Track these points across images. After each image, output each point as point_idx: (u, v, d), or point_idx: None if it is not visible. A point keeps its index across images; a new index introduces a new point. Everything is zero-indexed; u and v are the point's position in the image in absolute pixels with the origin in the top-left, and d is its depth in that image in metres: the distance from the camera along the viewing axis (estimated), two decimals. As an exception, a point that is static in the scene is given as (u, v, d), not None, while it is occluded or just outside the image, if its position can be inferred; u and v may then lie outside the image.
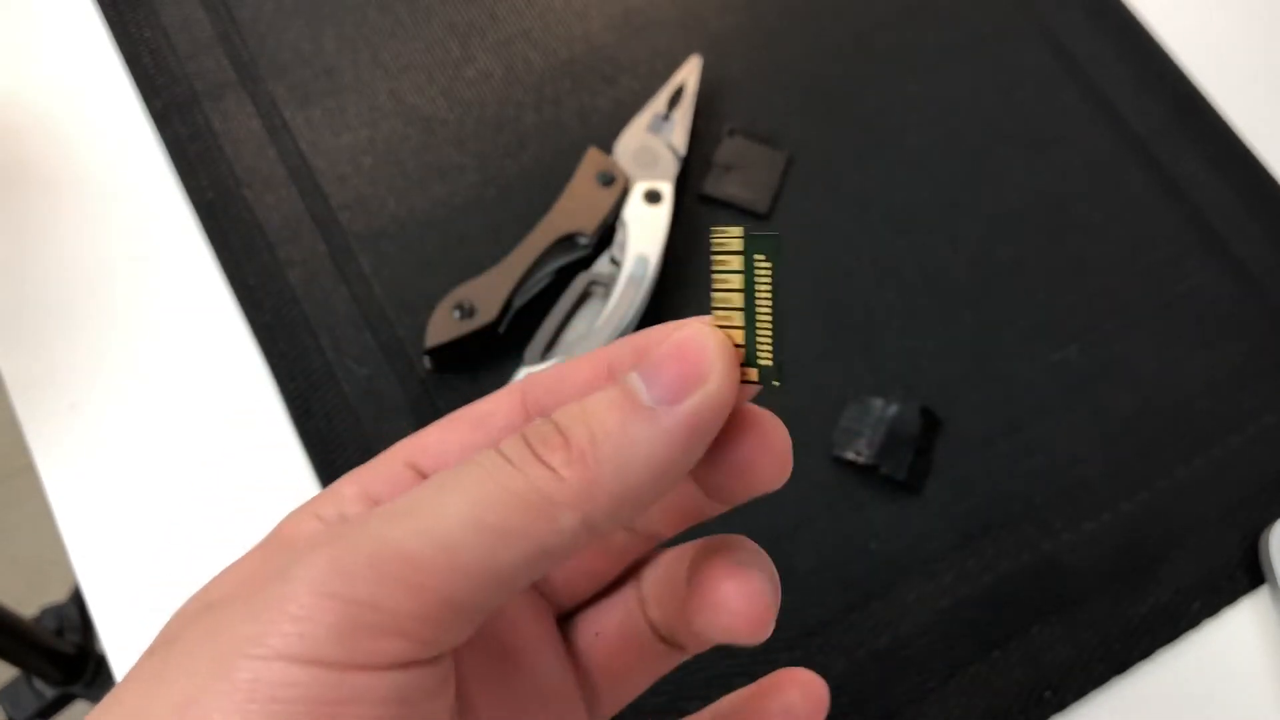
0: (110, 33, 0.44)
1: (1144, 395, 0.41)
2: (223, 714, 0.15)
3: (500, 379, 0.39)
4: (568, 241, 0.40)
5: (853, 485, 0.38)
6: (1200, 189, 0.45)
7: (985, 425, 0.40)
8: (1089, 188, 0.45)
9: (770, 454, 0.19)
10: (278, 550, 0.19)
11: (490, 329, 0.38)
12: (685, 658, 0.22)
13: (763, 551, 0.20)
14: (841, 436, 0.39)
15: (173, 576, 0.35)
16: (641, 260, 0.39)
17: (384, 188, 0.42)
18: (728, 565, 0.19)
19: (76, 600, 0.85)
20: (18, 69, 0.44)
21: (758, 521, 0.34)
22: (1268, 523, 0.38)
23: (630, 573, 0.22)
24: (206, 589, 0.19)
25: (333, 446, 0.38)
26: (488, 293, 0.38)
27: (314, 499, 0.20)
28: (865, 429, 0.38)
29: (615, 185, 0.40)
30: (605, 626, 0.22)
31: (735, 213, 0.43)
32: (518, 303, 0.39)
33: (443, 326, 0.38)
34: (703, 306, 0.42)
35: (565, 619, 0.22)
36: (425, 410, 0.38)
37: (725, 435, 0.19)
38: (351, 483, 0.21)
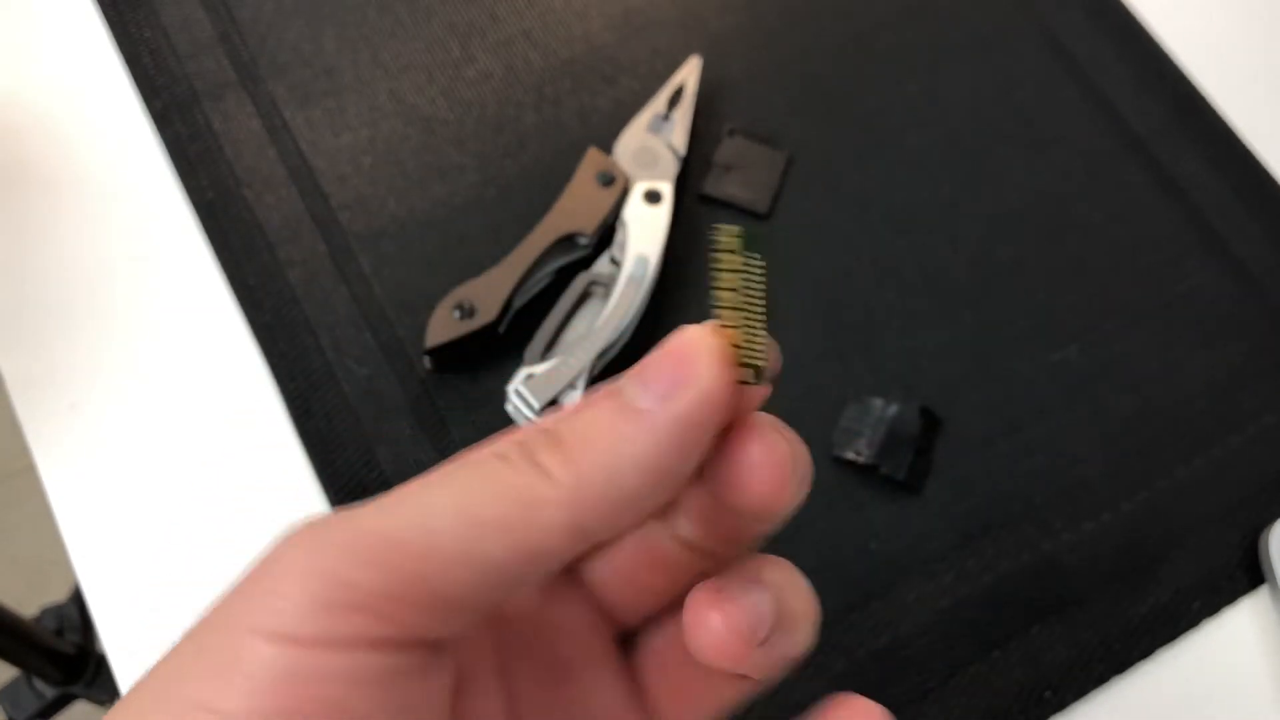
0: (110, 33, 0.44)
1: (1144, 395, 0.41)
2: (196, 687, 0.16)
3: (500, 379, 0.39)
4: (568, 241, 0.40)
5: (853, 485, 0.38)
6: (1200, 189, 0.45)
7: (985, 425, 0.40)
8: (1089, 188, 0.45)
9: (766, 465, 0.18)
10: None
11: (490, 329, 0.38)
12: (752, 689, 0.21)
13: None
14: (841, 436, 0.39)
15: (173, 576, 0.35)
16: (641, 260, 0.39)
17: (384, 188, 0.42)
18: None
19: (77, 600, 0.85)
20: (18, 69, 0.44)
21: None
22: (1268, 523, 0.38)
23: None
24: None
25: (333, 446, 0.38)
26: (488, 293, 0.38)
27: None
28: (865, 429, 0.38)
29: (615, 185, 0.40)
30: (664, 646, 0.21)
31: (735, 213, 0.43)
32: (518, 303, 0.39)
33: (443, 326, 0.38)
34: (703, 306, 0.42)
35: (629, 639, 0.22)
36: (425, 410, 0.38)
37: (728, 443, 0.18)
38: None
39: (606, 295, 0.39)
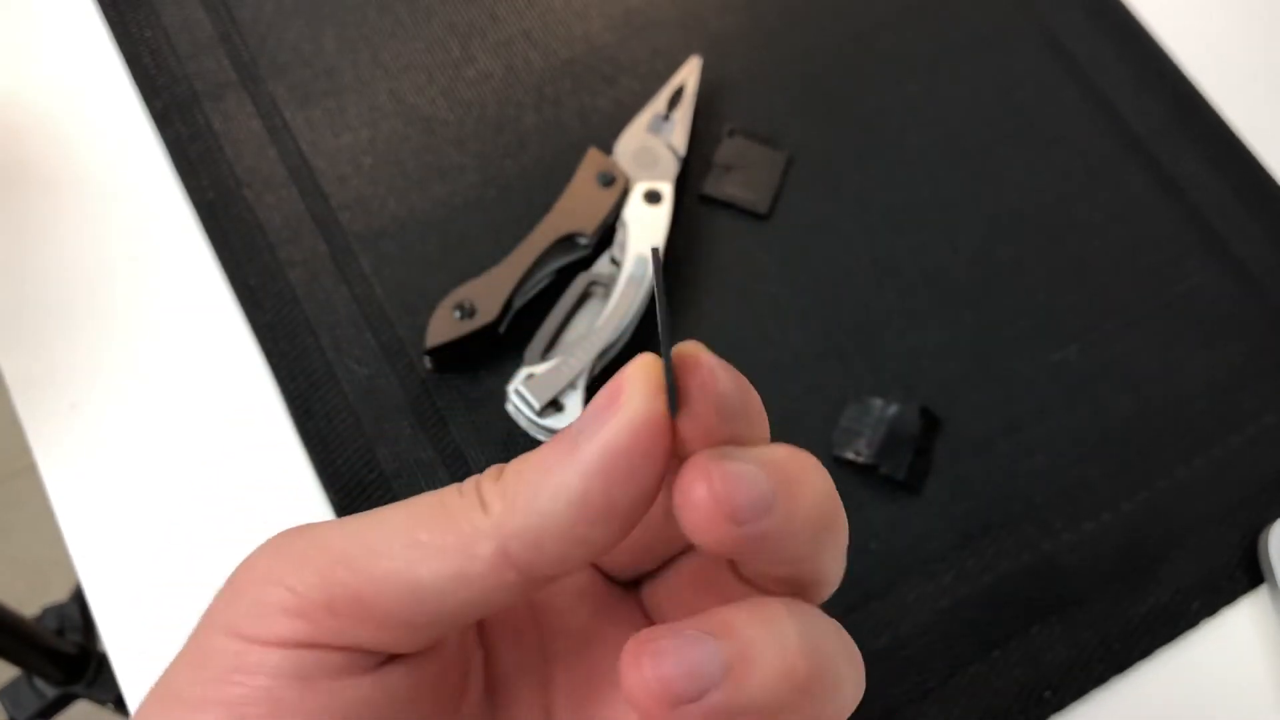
0: (110, 33, 0.44)
1: (1144, 395, 0.41)
2: (173, 676, 0.18)
3: (500, 379, 0.39)
4: (568, 241, 0.40)
5: (853, 485, 0.38)
6: (1200, 189, 0.45)
7: (985, 425, 0.40)
8: (1089, 188, 0.45)
9: (685, 506, 0.17)
10: None
11: (490, 329, 0.38)
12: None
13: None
14: (841, 436, 0.39)
15: (173, 576, 0.35)
16: (641, 260, 0.39)
17: (384, 188, 0.42)
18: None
19: (78, 600, 0.85)
20: (18, 69, 0.44)
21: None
22: (1268, 523, 0.38)
23: None
24: None
25: (333, 446, 0.38)
26: (488, 293, 0.38)
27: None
28: (865, 429, 0.38)
29: (615, 185, 0.40)
30: None
31: (735, 213, 0.43)
32: (518, 303, 0.39)
33: (443, 326, 0.38)
34: (703, 306, 0.42)
35: None
36: (426, 410, 0.38)
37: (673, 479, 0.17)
38: None
39: (606, 295, 0.39)
